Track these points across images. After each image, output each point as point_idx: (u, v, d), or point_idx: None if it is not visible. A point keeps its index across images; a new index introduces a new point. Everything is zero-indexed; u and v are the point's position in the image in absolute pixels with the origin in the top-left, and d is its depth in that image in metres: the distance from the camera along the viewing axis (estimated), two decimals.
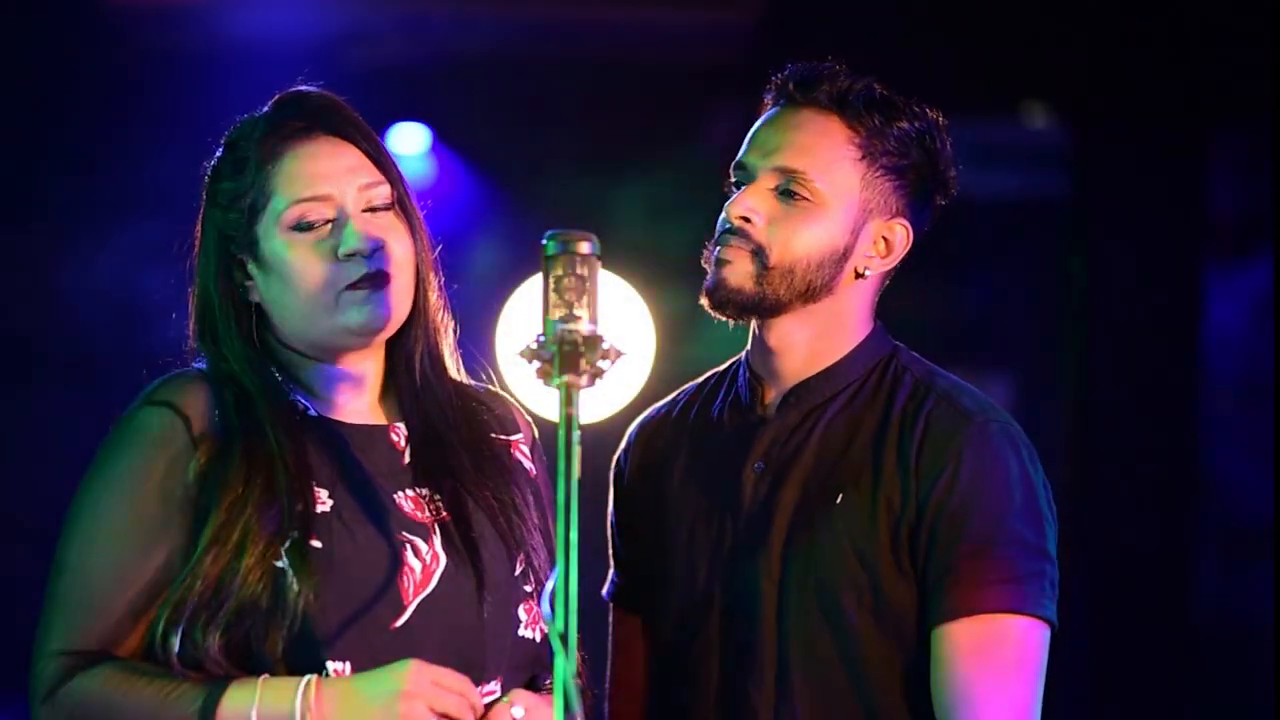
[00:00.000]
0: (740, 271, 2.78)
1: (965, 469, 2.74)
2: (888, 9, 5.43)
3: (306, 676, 2.45)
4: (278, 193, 2.60)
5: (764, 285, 2.78)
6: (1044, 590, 2.73)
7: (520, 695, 2.54)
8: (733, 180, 2.84)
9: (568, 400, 2.21)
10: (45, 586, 2.54)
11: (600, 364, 2.23)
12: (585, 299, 2.25)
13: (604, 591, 3.01)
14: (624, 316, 5.61)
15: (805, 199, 2.78)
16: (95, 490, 2.55)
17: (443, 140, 5.68)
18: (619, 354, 2.25)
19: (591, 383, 2.23)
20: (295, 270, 2.59)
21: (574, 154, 5.68)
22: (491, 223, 5.76)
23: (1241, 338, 5.70)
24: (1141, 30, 5.54)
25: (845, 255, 2.81)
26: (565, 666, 2.13)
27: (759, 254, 2.78)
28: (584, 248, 2.26)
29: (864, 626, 2.74)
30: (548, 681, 2.64)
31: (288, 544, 2.49)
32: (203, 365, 2.64)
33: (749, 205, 2.78)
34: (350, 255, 2.58)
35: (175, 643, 2.48)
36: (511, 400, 2.82)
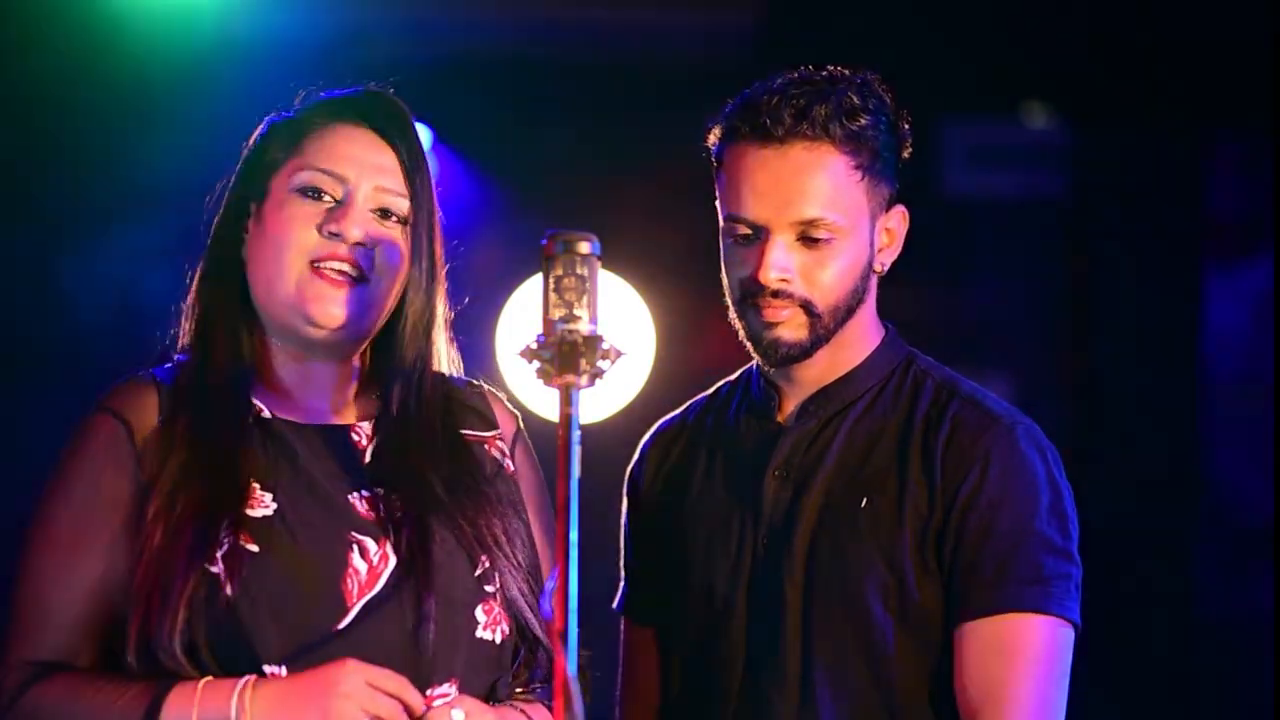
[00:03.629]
0: (794, 326, 2.79)
1: (993, 469, 2.75)
2: (887, 9, 5.43)
3: (245, 677, 2.46)
4: (303, 153, 2.63)
5: (818, 330, 2.80)
6: (1069, 592, 2.74)
7: (463, 700, 2.52)
8: (740, 233, 2.80)
9: (568, 400, 2.21)
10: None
11: (600, 364, 2.23)
12: (585, 299, 2.25)
13: (614, 604, 3.01)
14: (624, 316, 5.61)
15: (829, 239, 2.77)
16: (46, 500, 2.58)
17: (443, 140, 5.68)
18: (619, 354, 2.25)
19: (591, 383, 2.23)
20: (279, 230, 2.60)
21: (574, 154, 5.68)
22: (491, 223, 5.76)
23: (1241, 338, 5.70)
24: (1141, 30, 5.54)
25: (869, 264, 2.82)
26: (565, 666, 2.13)
27: (807, 307, 2.78)
28: (584, 248, 2.26)
29: (890, 627, 2.74)
30: (518, 691, 2.64)
31: (223, 549, 2.49)
32: (158, 370, 2.64)
33: (781, 265, 2.77)
34: (333, 234, 2.58)
35: (133, 641, 2.49)
36: (496, 395, 2.81)
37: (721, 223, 2.84)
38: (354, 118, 2.66)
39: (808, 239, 2.76)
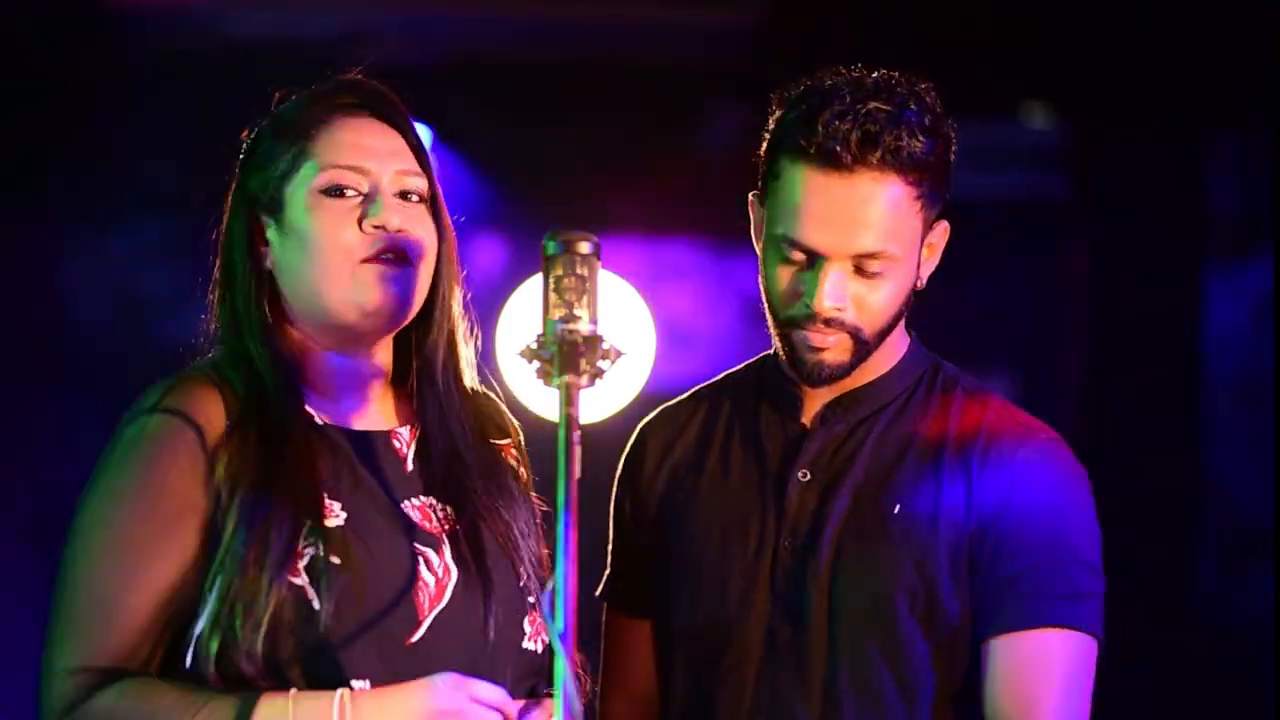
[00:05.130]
0: (839, 351, 2.77)
1: (1030, 484, 2.74)
2: (888, 9, 5.43)
3: (339, 690, 2.42)
4: (316, 156, 2.60)
5: (862, 353, 2.78)
6: (1098, 610, 2.76)
7: (546, 703, 2.51)
8: (792, 255, 2.75)
9: (568, 400, 2.21)
10: (53, 602, 2.49)
11: (600, 364, 2.23)
12: (585, 299, 2.25)
13: (598, 591, 2.98)
14: (624, 316, 5.61)
15: (884, 270, 2.74)
16: (103, 502, 2.50)
17: (443, 140, 5.67)
18: (619, 354, 2.25)
19: (591, 383, 2.23)
20: (317, 234, 2.57)
21: (574, 154, 5.68)
22: (491, 223, 5.76)
23: (1241, 338, 5.70)
24: (1141, 30, 5.54)
25: (914, 285, 2.81)
26: (565, 666, 2.13)
27: (856, 334, 2.76)
28: (584, 248, 2.26)
29: (916, 635, 2.73)
30: (546, 690, 2.63)
31: (305, 560, 2.47)
32: (205, 366, 2.61)
33: (838, 295, 2.73)
34: (377, 227, 2.57)
35: (214, 649, 2.44)
36: (499, 402, 2.81)
37: (764, 229, 2.79)
38: (352, 108, 2.64)
39: (863, 270, 2.74)
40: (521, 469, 2.74)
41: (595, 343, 2.23)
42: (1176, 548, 5.77)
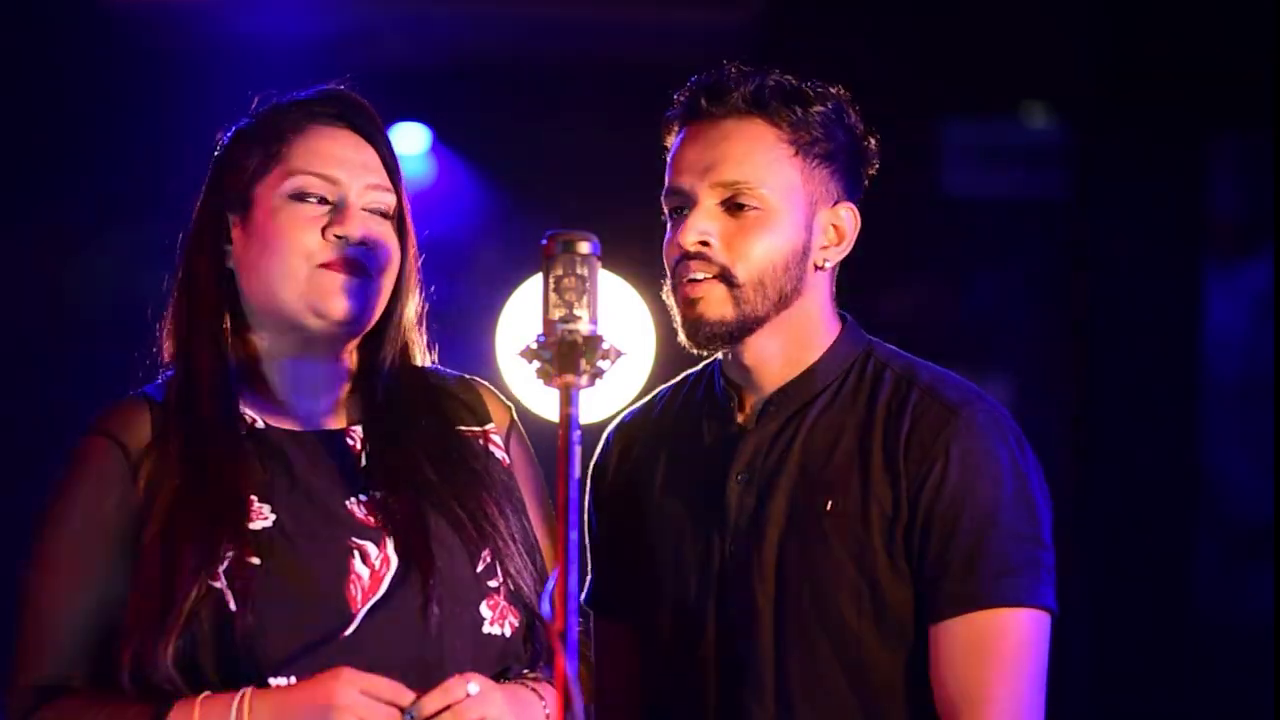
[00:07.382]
0: (715, 300, 2.74)
1: (954, 465, 2.71)
2: (887, 9, 5.43)
3: (242, 690, 2.46)
4: (290, 159, 2.63)
5: (742, 306, 2.74)
6: (1040, 579, 2.70)
7: (475, 676, 2.50)
8: (669, 210, 2.78)
9: (568, 400, 2.21)
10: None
11: (600, 364, 2.23)
12: (585, 299, 2.25)
13: (581, 597, 2.97)
14: (624, 316, 5.61)
15: (755, 208, 2.73)
16: (45, 522, 2.58)
17: (443, 140, 5.67)
18: (619, 354, 2.25)
19: (591, 383, 2.23)
20: (279, 234, 2.60)
21: (574, 154, 5.68)
22: (491, 223, 5.76)
23: (1241, 338, 5.70)
24: (1141, 30, 5.54)
25: (805, 252, 2.77)
26: (565, 666, 2.13)
27: (725, 276, 2.73)
28: (584, 248, 2.26)
29: (864, 632, 2.72)
30: (525, 672, 2.63)
31: (225, 564, 2.49)
32: (149, 388, 2.64)
33: (701, 228, 2.73)
34: (339, 237, 2.59)
35: (126, 661, 2.49)
36: (485, 387, 2.81)
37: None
38: (330, 118, 2.66)
39: (732, 205, 2.73)
40: (505, 455, 2.73)
41: (595, 343, 2.23)
42: (1176, 548, 5.77)
